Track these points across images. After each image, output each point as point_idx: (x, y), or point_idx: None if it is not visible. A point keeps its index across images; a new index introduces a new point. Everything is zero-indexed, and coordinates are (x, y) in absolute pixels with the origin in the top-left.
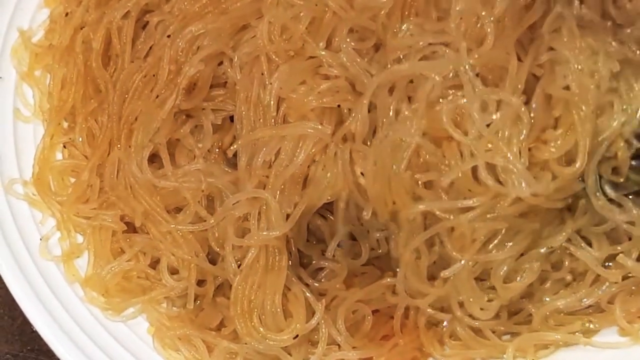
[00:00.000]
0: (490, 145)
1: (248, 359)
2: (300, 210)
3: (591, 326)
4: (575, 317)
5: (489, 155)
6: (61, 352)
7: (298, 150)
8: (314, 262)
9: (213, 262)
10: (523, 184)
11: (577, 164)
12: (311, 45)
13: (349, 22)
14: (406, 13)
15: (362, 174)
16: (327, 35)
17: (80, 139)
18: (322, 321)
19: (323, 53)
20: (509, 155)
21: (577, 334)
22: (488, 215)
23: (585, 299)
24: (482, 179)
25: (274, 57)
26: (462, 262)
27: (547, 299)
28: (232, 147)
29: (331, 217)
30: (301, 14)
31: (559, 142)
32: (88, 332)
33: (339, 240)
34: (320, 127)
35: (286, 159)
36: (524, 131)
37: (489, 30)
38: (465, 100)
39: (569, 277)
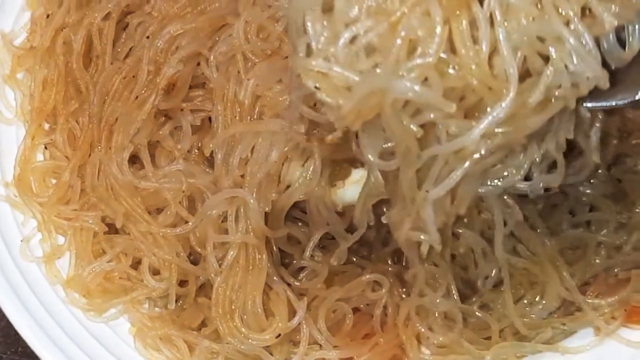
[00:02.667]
0: None
1: (229, 359)
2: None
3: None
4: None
5: None
6: (43, 354)
7: (272, 148)
8: (294, 261)
9: (195, 262)
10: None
11: None
12: (288, 45)
13: None
14: None
15: None
16: None
17: (62, 140)
18: (304, 321)
19: None
20: None
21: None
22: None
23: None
24: None
25: (250, 55)
26: None
27: None
28: (210, 146)
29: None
30: (277, 14)
31: None
32: (70, 334)
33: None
34: (294, 125)
35: (261, 157)
36: None
37: None
38: None
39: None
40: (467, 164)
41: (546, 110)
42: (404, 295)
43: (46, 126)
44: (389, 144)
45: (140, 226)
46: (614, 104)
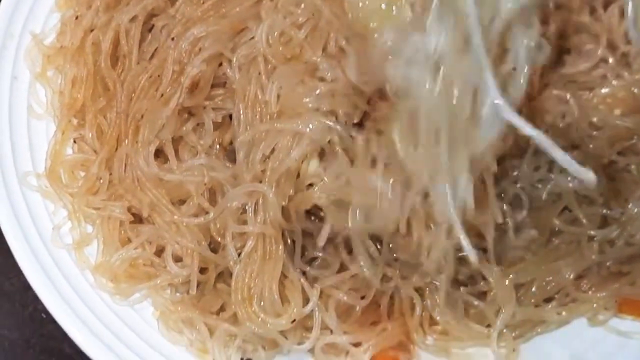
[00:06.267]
0: None
1: (246, 341)
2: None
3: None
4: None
5: None
6: (73, 334)
7: (294, 146)
8: (307, 252)
9: (214, 251)
10: None
11: None
12: (309, 51)
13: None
14: None
15: None
16: (323, 42)
17: (90, 135)
18: (316, 307)
19: (320, 59)
20: None
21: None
22: None
23: None
24: None
25: (270, 58)
26: None
27: None
28: (237, 142)
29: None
30: (300, 20)
31: None
32: (98, 315)
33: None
34: (321, 124)
35: (282, 153)
36: None
37: None
38: None
39: None
40: None
41: None
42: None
43: (75, 122)
44: None
45: (164, 216)
46: None
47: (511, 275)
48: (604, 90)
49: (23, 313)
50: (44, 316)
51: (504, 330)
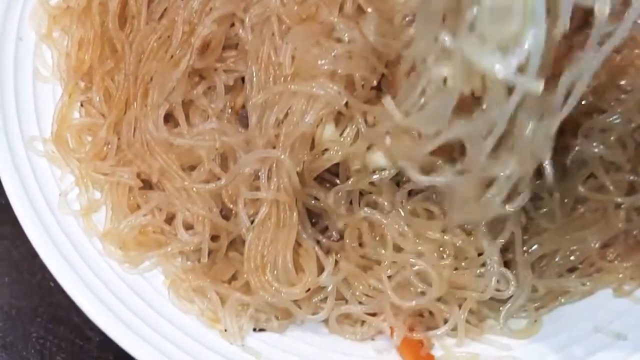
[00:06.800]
0: None
1: (259, 310)
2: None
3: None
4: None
5: None
6: (81, 302)
7: (308, 110)
8: (321, 221)
9: (226, 218)
10: None
11: None
12: (325, 11)
13: None
14: None
15: None
16: (339, 1)
17: (98, 98)
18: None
19: (337, 20)
20: None
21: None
22: None
23: None
24: None
25: (285, 18)
26: None
27: None
28: (244, 108)
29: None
30: None
31: None
32: (107, 283)
33: None
34: (333, 91)
35: (296, 117)
36: None
37: None
38: None
39: None
40: None
41: None
42: None
43: (82, 84)
44: None
45: (174, 182)
46: None
47: (535, 246)
48: (636, 51)
49: (31, 281)
50: (52, 284)
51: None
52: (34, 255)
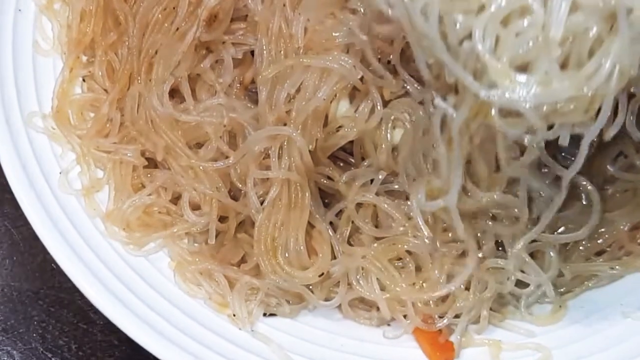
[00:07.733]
0: None
1: (270, 295)
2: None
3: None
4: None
5: None
6: (83, 286)
7: (322, 84)
8: (334, 203)
9: (235, 198)
10: None
11: None
12: None
13: None
14: None
15: None
16: None
17: (100, 72)
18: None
19: None
20: None
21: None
22: None
23: None
24: None
25: None
26: None
27: None
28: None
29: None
30: None
31: None
32: (110, 266)
33: None
34: (348, 64)
35: (309, 92)
36: None
37: None
38: None
39: None
40: None
41: None
42: None
43: (84, 58)
44: None
45: (180, 160)
46: None
47: (562, 228)
48: None
49: (32, 264)
50: (54, 267)
51: None
52: (35, 236)
